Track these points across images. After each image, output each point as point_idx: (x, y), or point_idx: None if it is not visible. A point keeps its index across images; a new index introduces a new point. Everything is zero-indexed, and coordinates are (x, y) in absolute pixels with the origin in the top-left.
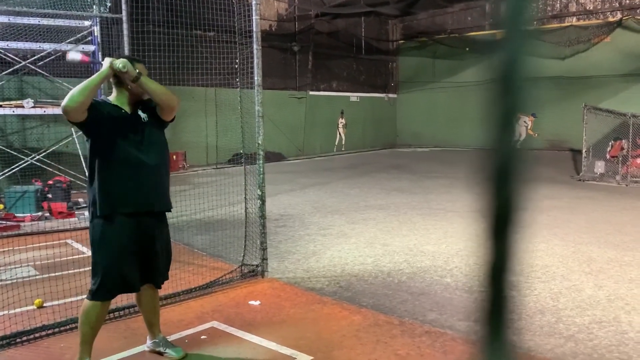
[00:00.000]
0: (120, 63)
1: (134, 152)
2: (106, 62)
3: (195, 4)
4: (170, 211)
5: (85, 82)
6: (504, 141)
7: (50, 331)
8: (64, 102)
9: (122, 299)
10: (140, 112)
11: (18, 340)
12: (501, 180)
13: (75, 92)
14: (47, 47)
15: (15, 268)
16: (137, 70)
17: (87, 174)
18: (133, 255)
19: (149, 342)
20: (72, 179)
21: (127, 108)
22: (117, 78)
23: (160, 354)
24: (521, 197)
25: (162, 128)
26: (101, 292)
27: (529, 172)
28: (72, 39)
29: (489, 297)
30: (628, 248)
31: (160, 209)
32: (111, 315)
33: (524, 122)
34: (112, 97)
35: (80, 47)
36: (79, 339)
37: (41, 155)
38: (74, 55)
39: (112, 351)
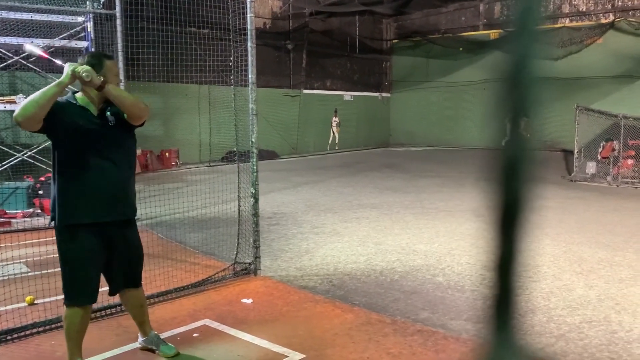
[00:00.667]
0: (83, 71)
1: (97, 160)
2: (67, 67)
3: (189, 1)
4: (135, 216)
5: (40, 93)
6: (512, 140)
7: (41, 328)
8: (15, 113)
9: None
10: (108, 114)
11: (9, 337)
12: (510, 175)
13: (28, 103)
14: (40, 42)
15: (6, 265)
16: (101, 78)
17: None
18: (99, 261)
19: (140, 339)
20: None
21: (93, 108)
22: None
23: (153, 351)
24: (530, 193)
25: (131, 131)
26: (75, 299)
27: (536, 169)
28: (65, 34)
29: (495, 292)
30: (618, 248)
31: (123, 217)
32: (102, 312)
33: None
34: (79, 94)
35: (74, 43)
36: (66, 342)
37: (33, 151)
38: (33, 48)
39: (103, 349)
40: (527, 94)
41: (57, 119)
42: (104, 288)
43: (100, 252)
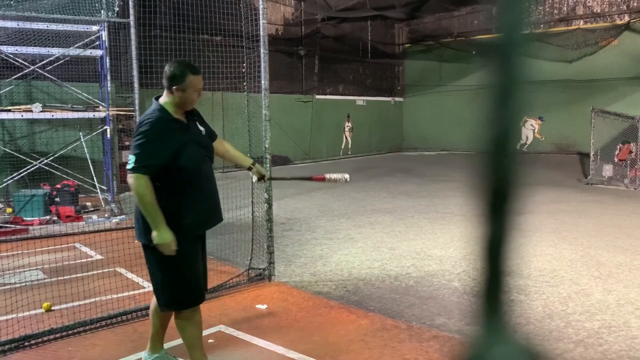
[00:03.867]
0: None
1: (205, 168)
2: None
3: (202, 8)
4: None
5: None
6: (498, 144)
7: (58, 335)
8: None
9: (130, 303)
10: (198, 125)
11: (26, 343)
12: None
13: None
14: (56, 52)
15: (23, 272)
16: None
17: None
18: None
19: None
20: (79, 183)
21: (181, 118)
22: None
23: None
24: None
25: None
26: (191, 300)
27: (523, 173)
28: (80, 43)
29: (485, 273)
30: (637, 252)
31: (221, 221)
32: (118, 318)
33: (531, 125)
34: (170, 106)
35: (88, 51)
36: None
37: (49, 159)
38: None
39: (119, 355)
40: (513, 99)
41: (177, 155)
42: (121, 294)
43: (201, 257)
